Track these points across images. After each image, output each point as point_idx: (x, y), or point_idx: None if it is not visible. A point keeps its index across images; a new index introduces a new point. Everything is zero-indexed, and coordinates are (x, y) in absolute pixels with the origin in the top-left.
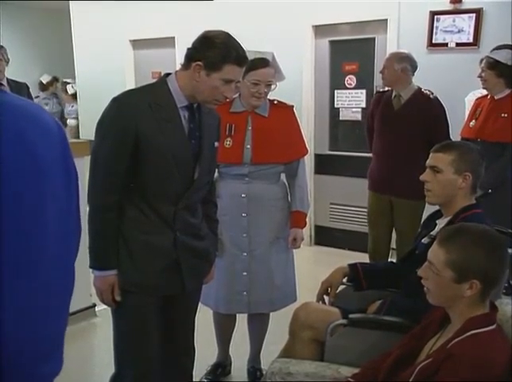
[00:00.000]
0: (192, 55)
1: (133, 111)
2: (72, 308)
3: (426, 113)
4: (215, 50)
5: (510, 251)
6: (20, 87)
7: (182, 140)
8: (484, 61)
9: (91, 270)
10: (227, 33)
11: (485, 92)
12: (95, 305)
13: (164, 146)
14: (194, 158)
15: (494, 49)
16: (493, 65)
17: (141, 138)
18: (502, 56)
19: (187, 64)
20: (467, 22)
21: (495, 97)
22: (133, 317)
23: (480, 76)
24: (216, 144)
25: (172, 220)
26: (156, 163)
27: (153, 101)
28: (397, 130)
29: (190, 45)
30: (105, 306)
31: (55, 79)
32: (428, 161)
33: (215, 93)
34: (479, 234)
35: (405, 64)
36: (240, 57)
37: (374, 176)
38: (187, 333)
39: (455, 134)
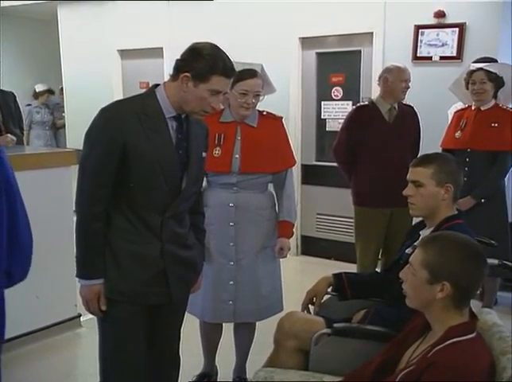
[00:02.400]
0: (180, 66)
1: (121, 122)
2: (57, 318)
3: (414, 121)
4: (202, 61)
5: (490, 261)
6: (6, 96)
7: (170, 150)
8: (484, 73)
9: (76, 280)
10: (215, 45)
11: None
12: (80, 316)
13: (151, 157)
14: (181, 168)
15: (478, 62)
16: (494, 78)
17: (129, 148)
18: (501, 70)
19: (175, 75)
20: (450, 36)
21: (481, 108)
22: (119, 326)
23: (479, 88)
24: (204, 154)
25: (160, 230)
26: (143, 173)
27: (141, 111)
28: (397, 141)
29: (178, 56)
30: (90, 316)
31: (48, 91)
32: (408, 176)
33: (202, 104)
34: (458, 241)
35: None
36: (227, 69)
37: (368, 191)
38: (173, 343)
39: (438, 146)
